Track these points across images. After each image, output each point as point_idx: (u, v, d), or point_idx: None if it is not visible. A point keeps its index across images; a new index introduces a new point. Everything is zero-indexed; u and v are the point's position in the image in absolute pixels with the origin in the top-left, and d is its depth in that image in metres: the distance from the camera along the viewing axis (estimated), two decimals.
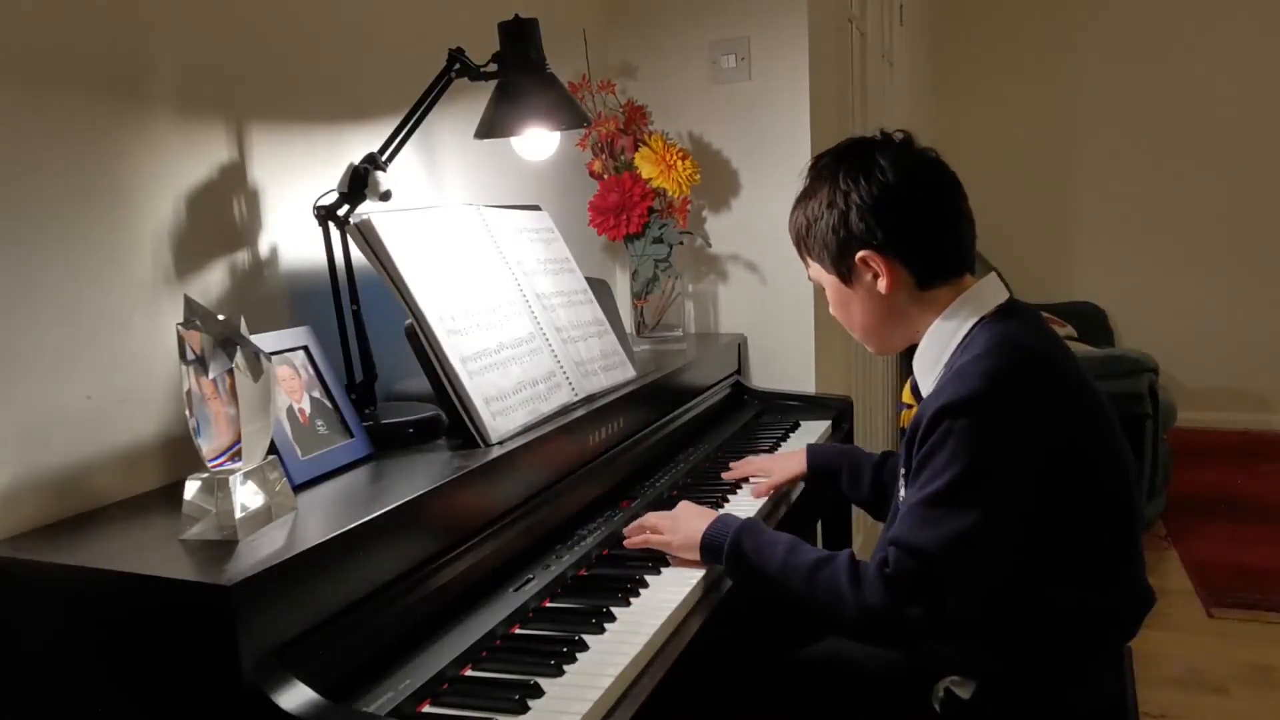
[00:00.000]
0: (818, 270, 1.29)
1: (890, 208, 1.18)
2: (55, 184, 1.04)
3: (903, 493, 1.19)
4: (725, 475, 1.62)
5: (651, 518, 1.30)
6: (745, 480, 1.61)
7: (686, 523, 1.26)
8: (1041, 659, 1.15)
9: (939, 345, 1.21)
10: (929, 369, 1.22)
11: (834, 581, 1.11)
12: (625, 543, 1.30)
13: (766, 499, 1.53)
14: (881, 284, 1.21)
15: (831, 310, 1.32)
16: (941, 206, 1.21)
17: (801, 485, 1.63)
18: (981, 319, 1.18)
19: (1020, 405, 1.09)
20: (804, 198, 1.27)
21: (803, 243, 1.28)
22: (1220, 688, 2.40)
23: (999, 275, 1.26)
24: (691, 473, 1.64)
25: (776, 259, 2.21)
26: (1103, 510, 1.14)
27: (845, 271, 1.24)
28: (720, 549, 1.19)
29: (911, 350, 1.27)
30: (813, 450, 1.60)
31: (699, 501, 1.44)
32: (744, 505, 1.49)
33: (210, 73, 1.23)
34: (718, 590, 1.22)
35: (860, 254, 1.20)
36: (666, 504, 1.50)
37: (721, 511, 1.32)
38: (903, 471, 1.19)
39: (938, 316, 1.21)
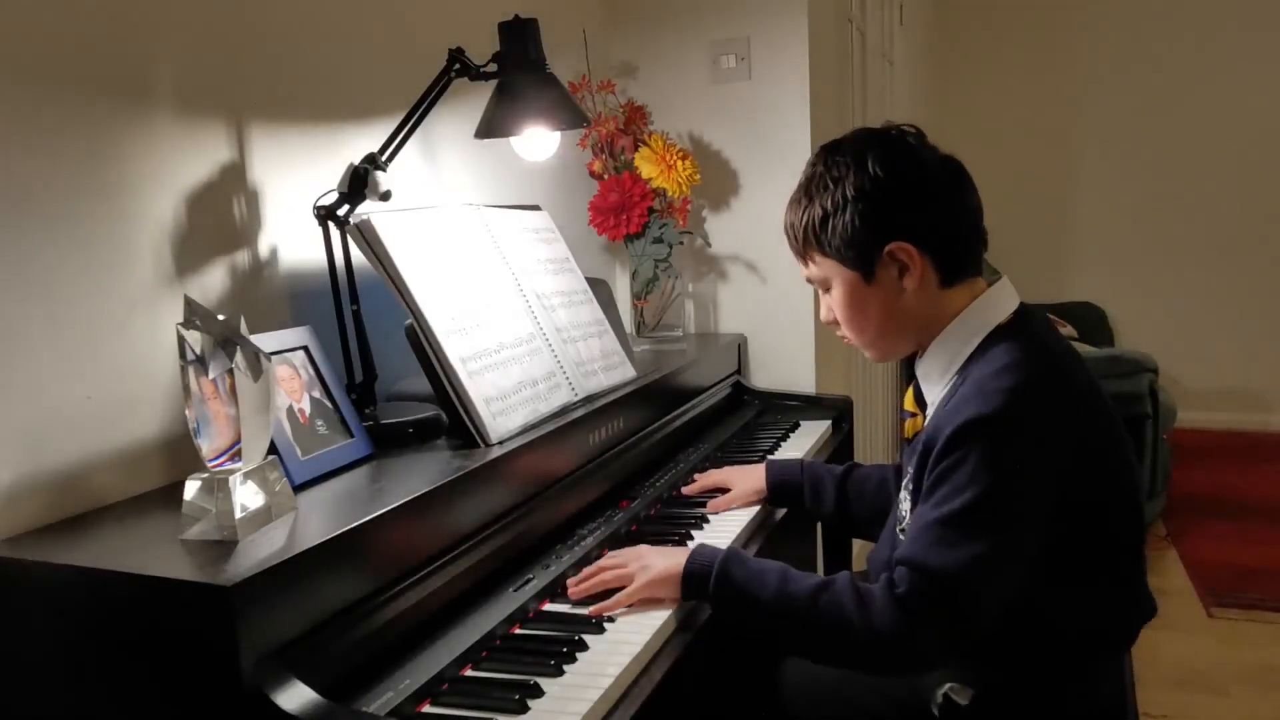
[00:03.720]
0: (830, 267, 1.18)
1: (930, 196, 1.13)
2: (55, 184, 1.04)
3: (905, 506, 1.16)
4: (686, 490, 1.54)
5: (607, 572, 1.15)
6: (709, 494, 1.51)
7: (655, 558, 1.16)
8: (1041, 667, 1.14)
9: (949, 352, 1.16)
10: (937, 377, 1.18)
11: (837, 607, 1.04)
12: (571, 592, 1.14)
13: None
14: (910, 279, 1.14)
15: (835, 313, 1.22)
16: (970, 202, 1.17)
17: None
18: (995, 328, 1.14)
19: (1043, 424, 1.05)
20: (817, 188, 1.17)
21: (813, 237, 1.18)
22: (1220, 688, 2.40)
23: (997, 273, 1.25)
24: (691, 473, 1.63)
25: (776, 259, 2.21)
26: (1114, 522, 1.12)
27: (868, 266, 1.15)
28: (706, 578, 1.11)
29: (912, 355, 1.24)
30: (772, 465, 1.53)
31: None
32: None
33: (210, 72, 1.23)
34: None
35: (891, 245, 1.13)
36: (666, 504, 1.50)
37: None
38: (909, 486, 1.15)
39: (951, 321, 1.16)
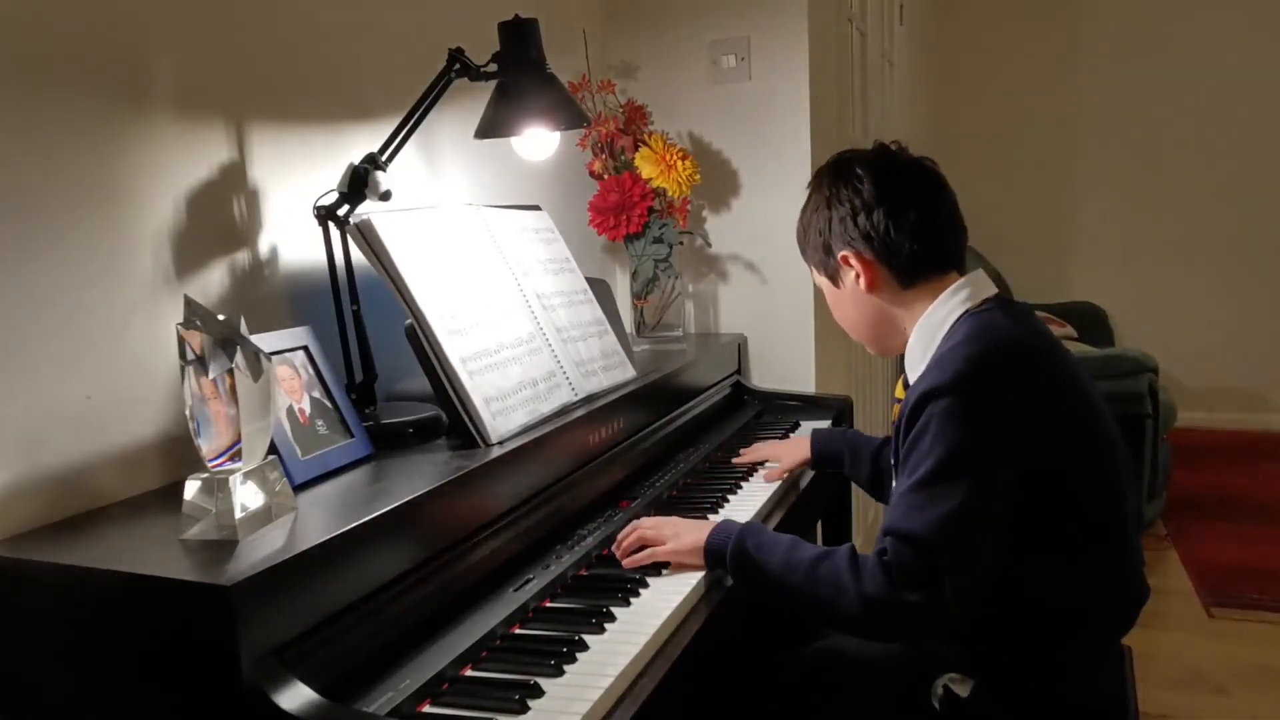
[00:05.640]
0: (815, 274, 1.37)
1: (865, 210, 1.25)
2: (55, 184, 1.04)
3: (894, 482, 1.19)
4: (737, 460, 1.70)
5: (645, 530, 1.26)
6: (759, 465, 1.68)
7: (687, 529, 1.25)
8: (1039, 656, 1.16)
9: (926, 338, 1.24)
10: (917, 362, 1.24)
11: (835, 574, 1.11)
12: (625, 563, 1.23)
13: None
14: (862, 282, 1.27)
15: (833, 313, 1.38)
16: (920, 208, 1.24)
17: (810, 474, 1.70)
18: (966, 311, 1.21)
19: (999, 386, 1.11)
20: (804, 206, 1.36)
21: (803, 248, 1.37)
22: (1220, 688, 2.40)
23: (998, 273, 1.27)
24: (691, 473, 1.64)
25: (776, 259, 2.21)
26: (1092, 498, 1.15)
27: (832, 273, 1.32)
28: (724, 552, 1.20)
29: None
30: (816, 435, 1.69)
31: (697, 502, 1.47)
32: (740, 509, 1.49)
33: (210, 72, 1.23)
34: (718, 589, 1.22)
35: (840, 254, 1.28)
36: (666, 504, 1.50)
37: (721, 517, 1.31)
38: (893, 462, 1.21)
39: (925, 313, 1.24)
